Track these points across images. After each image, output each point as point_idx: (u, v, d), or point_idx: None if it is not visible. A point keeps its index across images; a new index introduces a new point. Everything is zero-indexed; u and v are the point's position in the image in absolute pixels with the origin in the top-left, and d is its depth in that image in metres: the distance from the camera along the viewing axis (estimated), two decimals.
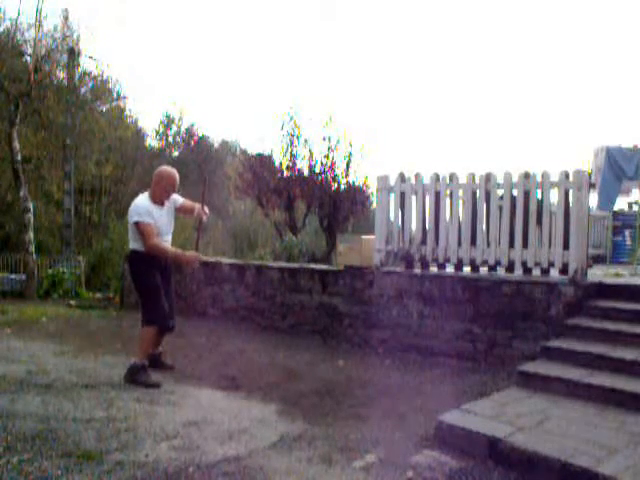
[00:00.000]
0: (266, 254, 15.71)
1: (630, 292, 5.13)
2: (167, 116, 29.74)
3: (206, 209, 4.97)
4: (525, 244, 5.63)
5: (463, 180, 6.00)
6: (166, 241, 4.79)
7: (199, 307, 8.27)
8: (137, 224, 4.61)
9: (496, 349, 5.43)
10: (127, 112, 24.33)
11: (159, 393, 4.32)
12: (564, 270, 5.41)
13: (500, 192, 5.84)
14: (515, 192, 5.72)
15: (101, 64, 18.81)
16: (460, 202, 6.08)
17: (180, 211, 5.01)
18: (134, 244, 4.72)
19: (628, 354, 4.21)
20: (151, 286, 4.66)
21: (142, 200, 4.74)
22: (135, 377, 4.54)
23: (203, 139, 31.19)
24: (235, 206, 27.46)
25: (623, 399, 3.78)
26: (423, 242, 6.23)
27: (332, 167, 14.70)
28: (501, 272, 5.88)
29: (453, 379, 4.98)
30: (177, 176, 4.84)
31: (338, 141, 14.69)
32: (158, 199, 4.75)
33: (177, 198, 4.97)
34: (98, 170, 20.76)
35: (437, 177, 6.14)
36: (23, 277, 14.34)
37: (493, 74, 52.10)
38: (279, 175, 14.90)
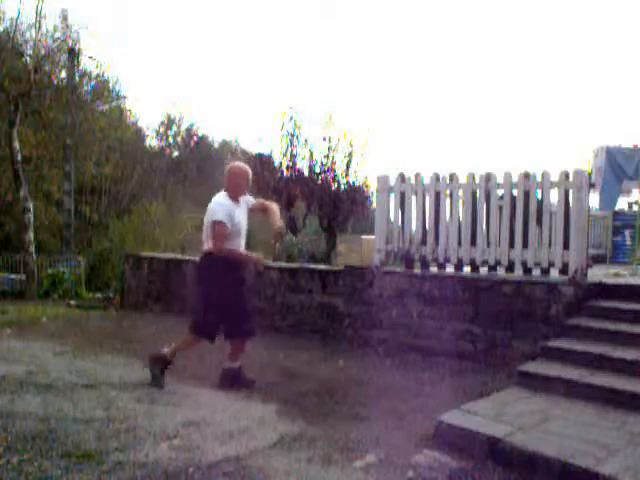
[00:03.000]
0: (266, 254, 15.68)
1: (630, 292, 5.13)
2: (167, 116, 29.78)
3: (281, 222, 4.71)
4: (525, 244, 5.62)
5: (463, 180, 6.00)
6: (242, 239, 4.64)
7: None
8: (216, 223, 4.42)
9: (496, 349, 5.42)
10: (127, 112, 24.39)
11: (159, 393, 4.32)
12: (564, 270, 5.41)
13: (500, 192, 5.83)
14: (515, 192, 5.72)
15: (101, 64, 18.85)
16: (460, 202, 6.07)
17: (253, 211, 4.86)
18: (209, 245, 4.53)
19: (628, 354, 4.21)
20: (213, 297, 4.49)
21: (223, 199, 4.56)
22: (152, 367, 4.54)
23: (203, 139, 31.21)
24: None
25: (623, 399, 3.77)
26: (423, 242, 6.22)
27: (332, 167, 14.69)
28: (501, 272, 5.88)
29: (453, 379, 4.98)
30: (250, 172, 4.75)
31: (338, 141, 14.67)
32: (235, 197, 4.61)
33: (249, 198, 4.83)
34: (98, 170, 20.77)
35: (437, 177, 6.14)
36: (23, 277, 14.35)
37: (493, 74, 52.09)
38: (279, 175, 14.88)
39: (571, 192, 5.40)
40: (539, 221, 5.58)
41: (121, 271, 10.49)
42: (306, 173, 14.82)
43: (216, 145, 32.35)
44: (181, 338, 4.67)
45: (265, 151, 15.57)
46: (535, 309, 5.26)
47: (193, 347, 4.78)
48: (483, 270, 5.99)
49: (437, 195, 6.14)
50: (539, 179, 5.56)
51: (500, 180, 5.80)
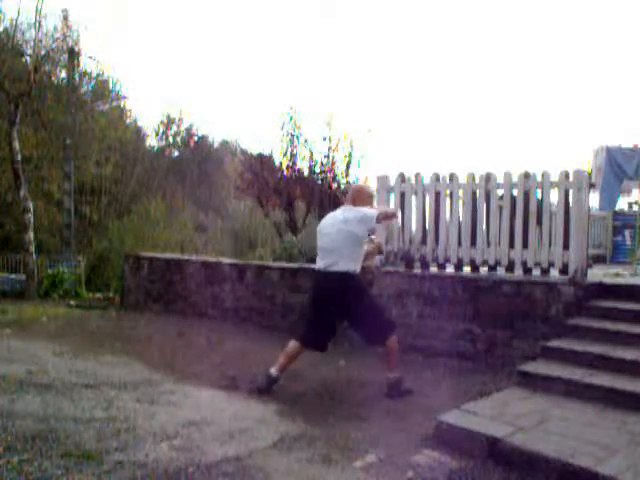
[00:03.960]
0: (266, 254, 15.72)
1: (630, 292, 5.13)
2: (167, 116, 29.73)
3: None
4: (525, 244, 5.62)
5: (463, 180, 6.00)
6: None
7: (199, 307, 8.27)
8: (377, 219, 4.47)
9: (496, 349, 5.43)
10: (127, 112, 24.40)
11: (159, 393, 4.32)
12: (564, 270, 5.41)
13: (500, 192, 5.83)
14: (515, 192, 5.72)
15: (101, 64, 18.88)
16: (460, 202, 6.07)
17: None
18: (352, 264, 4.43)
19: (628, 354, 4.21)
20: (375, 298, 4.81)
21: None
22: (399, 390, 4.46)
23: (203, 139, 31.18)
24: (235, 206, 27.48)
25: (623, 399, 3.78)
26: (423, 242, 6.22)
27: (332, 167, 14.71)
28: (501, 272, 5.88)
29: (453, 379, 4.98)
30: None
31: (338, 141, 14.69)
32: None
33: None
34: (98, 170, 20.77)
35: (437, 177, 6.14)
36: (23, 277, 14.35)
37: (493, 74, 52.12)
38: (279, 175, 14.89)
39: (571, 192, 5.40)
40: (539, 221, 5.58)
41: (121, 271, 10.49)
42: (306, 173, 14.83)
43: (216, 145, 32.29)
44: (389, 353, 4.55)
45: (265, 151, 15.58)
46: (535, 309, 5.27)
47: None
48: (483, 270, 5.99)
49: (437, 195, 6.14)
50: (539, 179, 5.56)
51: (500, 180, 5.80)
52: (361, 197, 4.66)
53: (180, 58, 47.64)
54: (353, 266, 4.46)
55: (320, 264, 4.52)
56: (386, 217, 5.02)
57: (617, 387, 3.86)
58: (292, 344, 4.60)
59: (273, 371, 4.49)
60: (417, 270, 6.26)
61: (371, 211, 4.51)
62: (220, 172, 28.33)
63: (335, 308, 4.51)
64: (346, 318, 4.65)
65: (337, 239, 4.42)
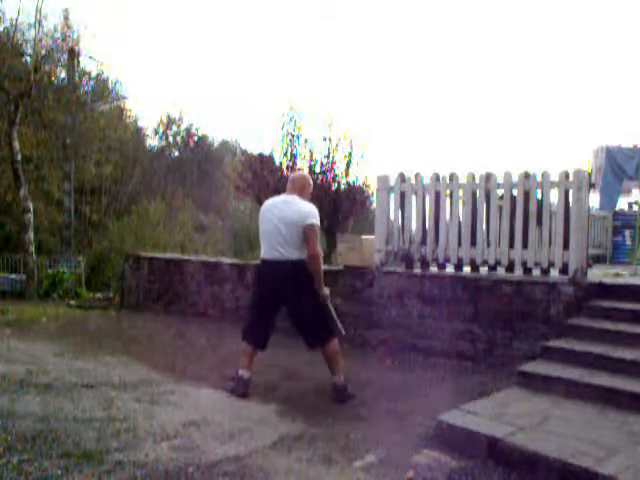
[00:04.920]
0: None
1: (630, 292, 5.12)
2: (167, 116, 29.72)
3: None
4: (525, 244, 5.62)
5: (463, 180, 6.00)
6: None
7: (199, 307, 8.27)
8: (314, 227, 4.30)
9: (496, 349, 5.42)
10: (127, 112, 24.40)
11: (159, 393, 4.32)
12: (564, 270, 5.41)
13: (500, 192, 5.83)
14: (515, 192, 5.72)
15: (101, 64, 18.89)
16: (460, 202, 6.07)
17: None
18: (301, 253, 4.32)
19: (628, 354, 4.21)
20: (323, 297, 4.49)
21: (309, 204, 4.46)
22: (346, 395, 4.41)
23: (203, 139, 31.17)
24: (235, 206, 27.46)
25: (623, 399, 3.78)
26: (423, 242, 6.22)
27: (332, 167, 14.68)
28: (501, 272, 5.88)
29: (453, 379, 4.98)
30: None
31: (338, 141, 14.66)
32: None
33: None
34: (98, 170, 20.76)
35: (437, 177, 6.14)
36: (23, 277, 14.36)
37: (493, 74, 52.13)
38: (279, 175, 14.87)
39: (571, 192, 5.40)
40: (539, 221, 5.58)
41: (121, 271, 10.50)
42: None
43: (216, 145, 32.27)
44: (332, 359, 4.47)
45: (265, 151, 15.55)
46: (535, 309, 5.26)
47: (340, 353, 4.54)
48: (483, 270, 5.99)
49: (437, 195, 6.14)
50: (539, 179, 5.56)
51: (500, 180, 5.80)
52: (306, 188, 4.57)
53: (180, 58, 47.65)
54: (303, 255, 4.37)
55: (273, 255, 4.36)
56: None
57: (617, 387, 3.87)
58: (243, 345, 4.54)
59: (242, 372, 4.42)
60: (417, 270, 6.25)
61: (315, 217, 4.38)
62: (220, 172, 28.32)
63: (280, 300, 4.46)
64: (290, 311, 4.54)
65: (288, 231, 4.30)
